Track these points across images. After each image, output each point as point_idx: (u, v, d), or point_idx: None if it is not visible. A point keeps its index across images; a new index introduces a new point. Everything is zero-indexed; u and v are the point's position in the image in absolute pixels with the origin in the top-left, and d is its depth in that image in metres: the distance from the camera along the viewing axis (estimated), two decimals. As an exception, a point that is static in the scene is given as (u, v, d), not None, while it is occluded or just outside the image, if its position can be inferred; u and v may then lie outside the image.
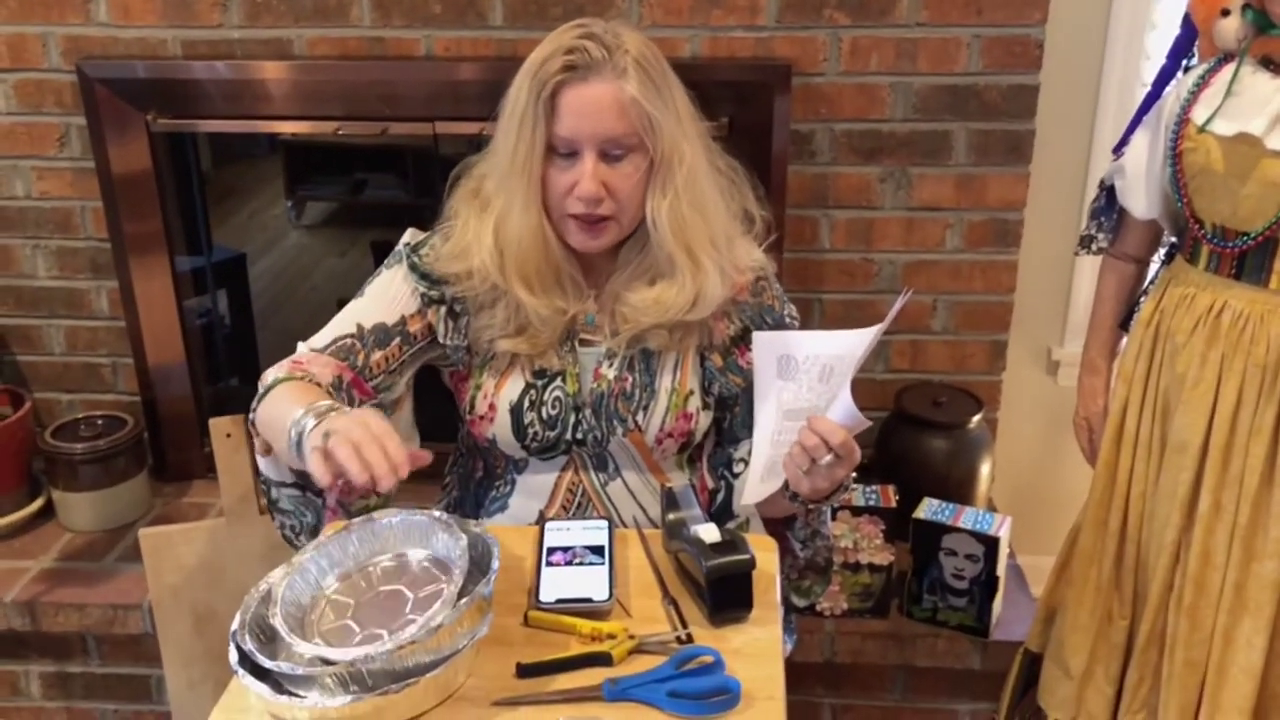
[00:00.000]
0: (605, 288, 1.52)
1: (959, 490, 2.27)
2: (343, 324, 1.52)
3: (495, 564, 1.24)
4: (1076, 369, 2.52)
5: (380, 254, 2.81)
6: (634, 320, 1.48)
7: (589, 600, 1.30)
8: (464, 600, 1.19)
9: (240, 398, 2.72)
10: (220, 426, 1.92)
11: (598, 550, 1.39)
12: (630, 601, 1.33)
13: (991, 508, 2.37)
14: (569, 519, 1.52)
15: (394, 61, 2.28)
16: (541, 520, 1.55)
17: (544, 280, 1.47)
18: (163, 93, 2.32)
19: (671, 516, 1.40)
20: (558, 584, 1.33)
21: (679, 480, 1.58)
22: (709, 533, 1.32)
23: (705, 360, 1.55)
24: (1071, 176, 2.38)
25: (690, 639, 1.26)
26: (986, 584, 2.08)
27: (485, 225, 1.47)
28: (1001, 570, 2.07)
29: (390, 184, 2.64)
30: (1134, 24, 2.24)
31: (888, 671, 2.20)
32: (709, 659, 1.21)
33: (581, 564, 1.37)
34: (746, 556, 1.28)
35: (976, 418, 2.29)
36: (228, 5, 2.26)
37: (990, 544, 2.04)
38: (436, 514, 1.31)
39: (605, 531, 1.42)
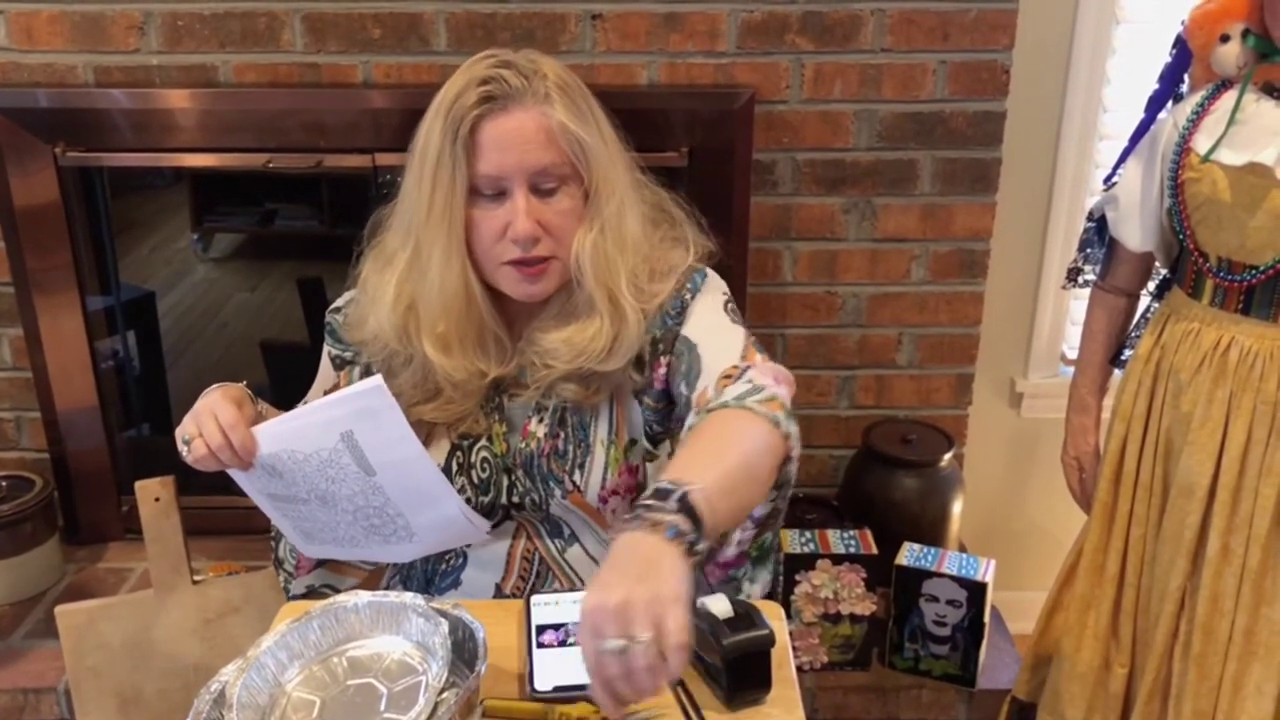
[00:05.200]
0: (525, 335, 1.38)
1: (932, 531, 2.19)
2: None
3: (484, 651, 1.11)
4: (1040, 400, 2.49)
5: (306, 292, 2.68)
6: (544, 366, 1.35)
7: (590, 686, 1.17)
8: (448, 694, 1.05)
9: (153, 447, 2.53)
10: (148, 490, 1.73)
11: (592, 627, 1.26)
12: (632, 684, 1.20)
13: (960, 545, 2.30)
14: (552, 592, 1.38)
15: (329, 89, 2.13)
16: (500, 592, 1.43)
17: (463, 339, 1.34)
18: (72, 123, 2.15)
19: (672, 587, 1.27)
20: (553, 669, 1.20)
21: None
22: (719, 605, 1.19)
23: (641, 404, 1.40)
24: (1034, 204, 2.33)
25: (706, 728, 1.14)
26: (971, 631, 1.99)
27: (385, 282, 1.35)
28: (988, 616, 1.99)
29: (304, 214, 2.51)
30: (1096, 48, 2.20)
31: (870, 726, 2.10)
32: (732, 752, 1.10)
33: (576, 644, 1.24)
34: (765, 632, 1.17)
35: (948, 455, 2.22)
36: (145, 28, 2.09)
37: (975, 590, 1.96)
38: (408, 596, 1.17)
39: (598, 605, 1.29)
